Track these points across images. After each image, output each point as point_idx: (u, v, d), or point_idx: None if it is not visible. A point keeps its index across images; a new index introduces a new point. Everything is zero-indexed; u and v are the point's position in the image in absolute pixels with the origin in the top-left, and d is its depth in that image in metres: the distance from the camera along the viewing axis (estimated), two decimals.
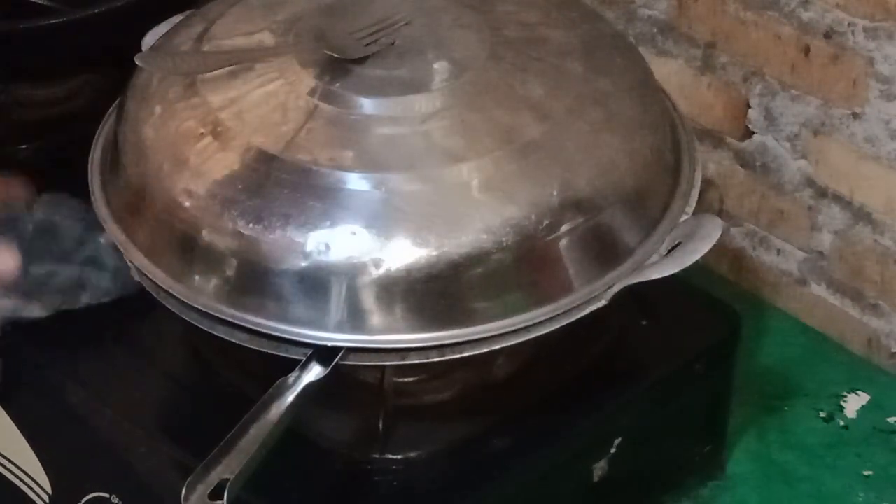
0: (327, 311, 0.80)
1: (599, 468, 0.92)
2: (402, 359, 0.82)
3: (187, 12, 0.96)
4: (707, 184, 1.16)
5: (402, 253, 0.80)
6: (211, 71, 0.87)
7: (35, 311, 0.92)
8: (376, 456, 0.88)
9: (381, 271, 0.80)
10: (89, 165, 0.92)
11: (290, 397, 0.79)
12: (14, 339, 0.96)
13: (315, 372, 0.80)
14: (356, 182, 0.81)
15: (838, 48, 1.06)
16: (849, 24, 1.04)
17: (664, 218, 0.88)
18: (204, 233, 0.82)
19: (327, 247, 0.80)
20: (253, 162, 0.83)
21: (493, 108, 0.86)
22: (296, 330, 0.81)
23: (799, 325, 1.16)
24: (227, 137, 0.84)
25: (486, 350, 0.82)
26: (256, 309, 0.81)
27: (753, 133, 1.15)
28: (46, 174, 1.07)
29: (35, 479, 0.96)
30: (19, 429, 0.96)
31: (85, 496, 0.92)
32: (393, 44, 0.89)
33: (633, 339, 0.96)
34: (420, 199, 0.81)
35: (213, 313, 0.82)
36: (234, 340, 0.83)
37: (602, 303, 0.84)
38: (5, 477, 0.98)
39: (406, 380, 0.91)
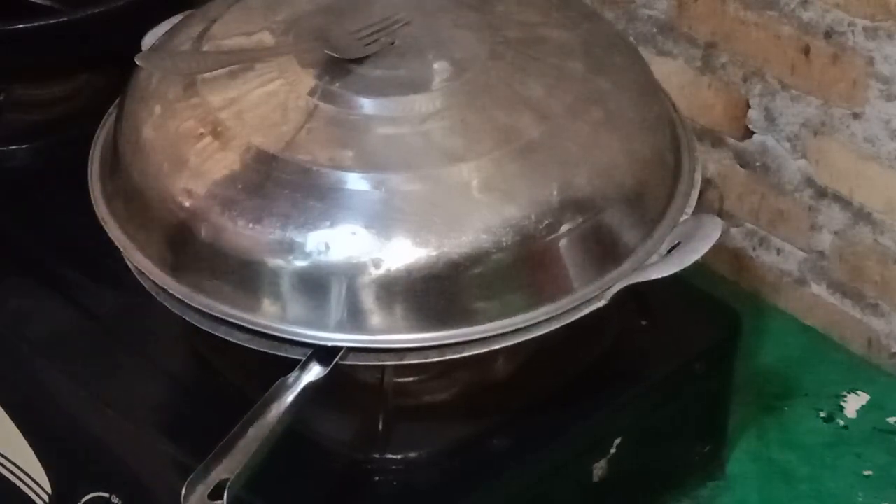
0: (327, 311, 0.80)
1: (599, 468, 0.92)
2: (402, 359, 0.82)
3: (187, 12, 0.96)
4: (707, 184, 1.16)
5: (402, 253, 0.80)
6: (211, 71, 0.87)
7: None
8: (376, 456, 0.88)
9: (381, 271, 0.80)
10: (89, 165, 0.92)
11: (289, 397, 0.79)
12: (14, 338, 0.97)
13: (315, 372, 0.80)
14: (356, 182, 0.81)
15: (838, 48, 1.06)
16: (849, 24, 1.04)
17: (664, 218, 0.88)
18: (204, 233, 0.82)
19: (327, 247, 0.80)
20: (253, 162, 0.83)
21: (493, 108, 0.86)
22: (295, 330, 0.81)
23: (799, 325, 1.16)
24: (226, 137, 0.84)
25: (485, 350, 0.82)
26: (256, 309, 0.81)
27: (753, 133, 1.15)
28: (46, 174, 1.08)
29: (35, 479, 0.96)
30: (19, 429, 0.96)
31: (85, 496, 0.92)
32: (393, 44, 0.89)
33: (632, 340, 0.96)
34: (420, 199, 0.81)
35: (213, 313, 0.82)
36: (234, 340, 0.83)
37: (602, 303, 0.84)
38: (5, 477, 0.98)
39: (406, 380, 0.91)
